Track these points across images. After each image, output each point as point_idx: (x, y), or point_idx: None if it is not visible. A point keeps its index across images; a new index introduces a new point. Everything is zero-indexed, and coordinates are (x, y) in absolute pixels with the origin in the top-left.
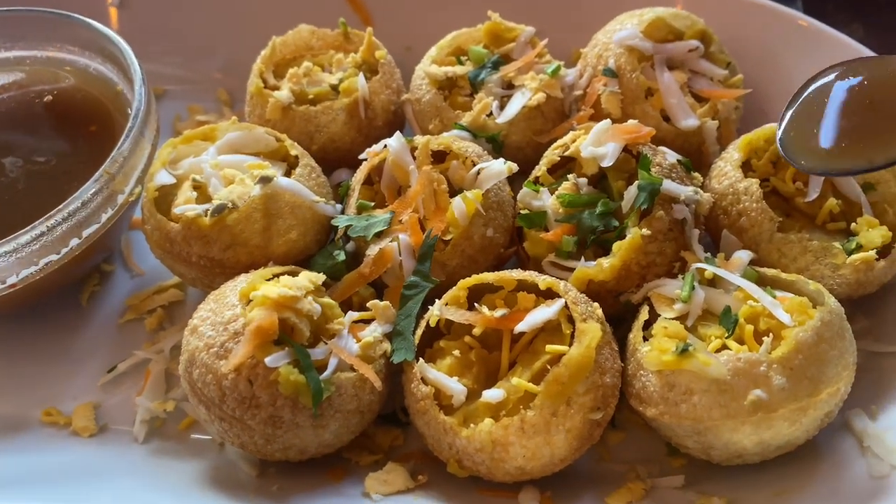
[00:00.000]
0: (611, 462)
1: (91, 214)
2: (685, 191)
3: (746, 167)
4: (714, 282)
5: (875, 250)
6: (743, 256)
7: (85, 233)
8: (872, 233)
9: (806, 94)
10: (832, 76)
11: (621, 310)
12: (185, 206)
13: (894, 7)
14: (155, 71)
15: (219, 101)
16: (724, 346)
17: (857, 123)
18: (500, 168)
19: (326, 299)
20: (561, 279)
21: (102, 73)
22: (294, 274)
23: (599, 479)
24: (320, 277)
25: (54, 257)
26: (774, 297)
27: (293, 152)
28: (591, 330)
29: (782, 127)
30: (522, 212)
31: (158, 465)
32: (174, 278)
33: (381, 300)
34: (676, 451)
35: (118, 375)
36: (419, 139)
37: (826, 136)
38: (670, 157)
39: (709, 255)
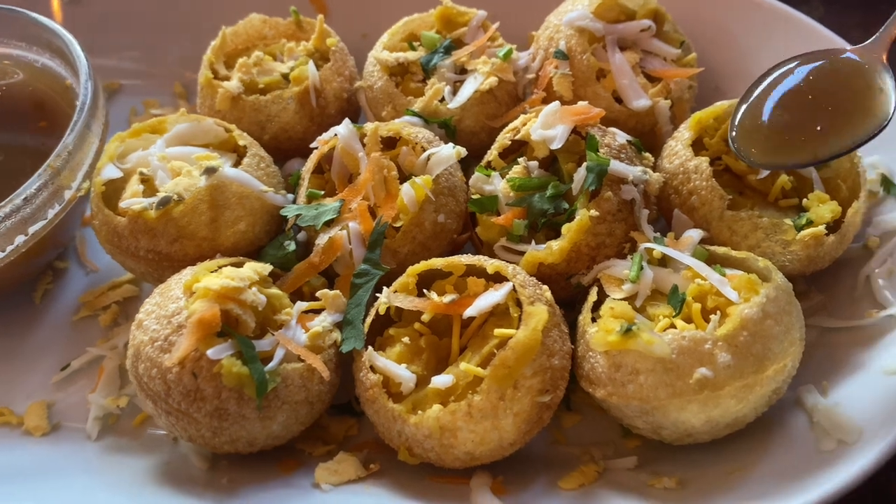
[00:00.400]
0: (565, 445)
1: (36, 210)
2: (633, 171)
3: (699, 146)
4: (665, 261)
5: (825, 225)
6: (693, 235)
7: (31, 229)
8: (822, 208)
9: (756, 91)
10: (778, 73)
11: (573, 292)
12: (131, 199)
13: None
14: (111, 66)
15: (175, 94)
16: (672, 326)
17: (801, 118)
18: (449, 153)
19: (273, 290)
20: (513, 263)
21: (50, 68)
22: (239, 265)
23: (553, 462)
24: (266, 268)
25: None
26: (724, 274)
27: (241, 142)
28: (538, 312)
29: (734, 124)
30: (474, 196)
31: (112, 462)
32: (128, 274)
33: (332, 289)
34: (630, 433)
35: (72, 373)
36: (369, 126)
37: (773, 131)
38: (620, 137)
39: (658, 234)
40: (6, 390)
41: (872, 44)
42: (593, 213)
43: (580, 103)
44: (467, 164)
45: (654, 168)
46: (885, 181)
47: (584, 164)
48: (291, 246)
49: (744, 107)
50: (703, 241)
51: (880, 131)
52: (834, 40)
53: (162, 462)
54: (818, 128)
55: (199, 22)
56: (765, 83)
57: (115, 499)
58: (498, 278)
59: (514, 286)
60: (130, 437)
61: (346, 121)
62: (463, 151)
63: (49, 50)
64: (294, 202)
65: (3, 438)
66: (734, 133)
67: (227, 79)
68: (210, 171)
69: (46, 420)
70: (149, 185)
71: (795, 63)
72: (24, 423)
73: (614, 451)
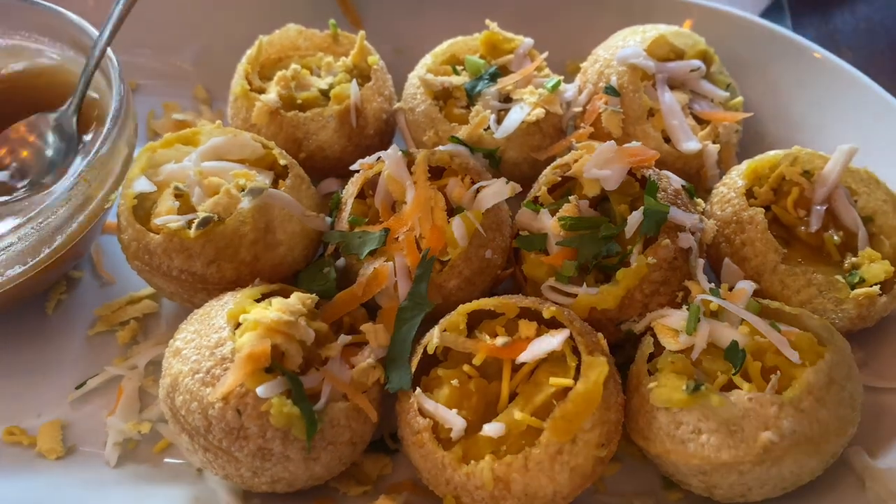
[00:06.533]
0: (606, 494)
1: (64, 222)
2: (691, 219)
3: (748, 194)
4: (718, 313)
5: (877, 285)
6: (746, 287)
7: (56, 241)
8: (875, 267)
9: None
10: None
11: (622, 338)
12: (167, 216)
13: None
14: (126, 62)
15: (195, 97)
16: (731, 383)
17: None
18: (501, 188)
19: (319, 323)
20: (561, 304)
21: (78, 67)
22: (284, 293)
23: None
24: (313, 299)
25: (20, 268)
26: (780, 331)
27: (282, 161)
28: (599, 364)
29: None
30: (522, 233)
31: (132, 492)
32: (147, 287)
33: (374, 322)
34: (674, 485)
35: (87, 392)
36: (416, 153)
37: None
38: (674, 182)
39: (713, 285)
40: (16, 407)
41: None
42: (650, 260)
43: (634, 143)
44: (509, 197)
45: (704, 214)
46: None
47: (642, 208)
48: (332, 273)
49: None
50: (753, 293)
51: None
52: (871, 86)
53: (188, 495)
54: None
55: (218, 20)
56: None
57: None
58: (551, 323)
59: (570, 333)
60: (152, 465)
61: (394, 146)
62: (517, 188)
63: (74, 48)
64: (333, 226)
65: (14, 460)
66: None
67: (261, 90)
68: (256, 192)
69: (61, 442)
70: (184, 202)
71: None
72: (38, 445)
73: (656, 502)
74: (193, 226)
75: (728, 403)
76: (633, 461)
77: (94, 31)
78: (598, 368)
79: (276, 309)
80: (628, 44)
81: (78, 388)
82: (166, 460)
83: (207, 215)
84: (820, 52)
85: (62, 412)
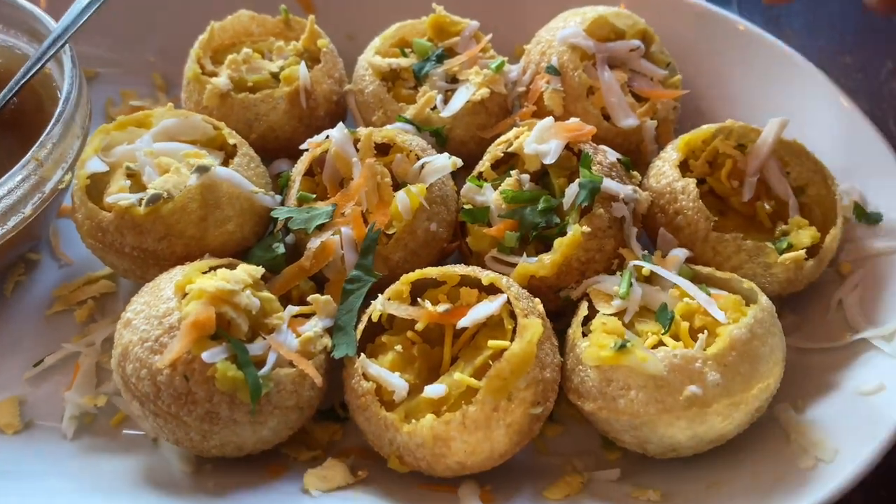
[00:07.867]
0: (548, 455)
1: (17, 202)
2: (624, 189)
3: (684, 167)
4: (651, 279)
5: (804, 250)
6: (679, 254)
7: (10, 222)
8: (802, 233)
9: None
10: None
11: (561, 305)
12: (119, 194)
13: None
14: (86, 52)
15: (153, 85)
16: (661, 343)
17: None
18: (444, 163)
19: (265, 293)
20: (503, 274)
21: (29, 54)
22: (231, 267)
23: (537, 472)
24: (259, 270)
25: None
26: (709, 294)
27: (231, 141)
28: (533, 325)
29: None
30: (466, 206)
31: (89, 464)
32: (105, 268)
33: (322, 294)
34: (612, 445)
35: (45, 369)
36: (362, 131)
37: None
38: (611, 155)
39: (646, 252)
40: None
41: None
42: (585, 228)
43: (572, 119)
44: (456, 173)
45: (641, 186)
46: (858, 208)
47: (577, 180)
48: (280, 248)
49: None
50: (687, 261)
51: None
52: (809, 68)
53: (143, 465)
54: None
55: (176, 11)
56: None
57: (92, 502)
58: (491, 290)
59: (508, 298)
60: (108, 438)
61: (340, 125)
62: (459, 162)
63: (27, 34)
64: (283, 204)
65: None
66: None
67: (214, 74)
68: (202, 170)
69: (18, 417)
70: (135, 181)
71: None
72: None
73: (595, 462)
74: (143, 203)
75: (654, 360)
76: (574, 423)
77: (48, 18)
78: (531, 329)
79: (220, 278)
80: (569, 24)
81: (35, 365)
82: (124, 432)
83: (156, 192)
84: (751, 28)
85: (20, 389)
